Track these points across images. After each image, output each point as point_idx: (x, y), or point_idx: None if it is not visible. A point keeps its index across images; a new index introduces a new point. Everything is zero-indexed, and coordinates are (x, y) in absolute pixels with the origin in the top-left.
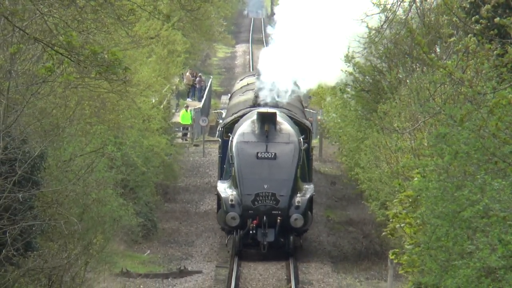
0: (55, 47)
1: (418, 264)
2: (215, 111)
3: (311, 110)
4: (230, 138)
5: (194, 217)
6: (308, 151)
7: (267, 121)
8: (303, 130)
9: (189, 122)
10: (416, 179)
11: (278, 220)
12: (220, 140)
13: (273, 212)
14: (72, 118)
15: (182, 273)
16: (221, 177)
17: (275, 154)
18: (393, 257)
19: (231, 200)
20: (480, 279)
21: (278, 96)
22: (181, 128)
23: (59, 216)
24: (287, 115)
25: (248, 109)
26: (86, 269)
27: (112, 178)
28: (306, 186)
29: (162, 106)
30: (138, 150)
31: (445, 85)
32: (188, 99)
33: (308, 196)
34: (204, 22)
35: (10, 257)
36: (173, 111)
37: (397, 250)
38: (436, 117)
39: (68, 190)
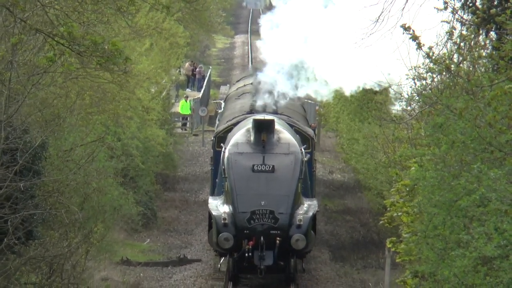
0: (56, 38)
1: (415, 253)
2: (214, 101)
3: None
4: (223, 148)
5: (194, 206)
6: (310, 163)
7: (264, 129)
8: (305, 139)
9: (188, 112)
10: (413, 168)
11: (277, 241)
12: (212, 151)
13: (271, 232)
14: (72, 108)
15: (182, 261)
16: (213, 192)
17: (273, 166)
18: (390, 245)
19: (224, 219)
20: (476, 268)
21: (277, 101)
22: (181, 118)
23: (60, 205)
24: (287, 123)
25: (243, 116)
26: (87, 258)
27: (112, 168)
28: (309, 202)
29: (162, 96)
30: (136, 141)
31: (442, 75)
32: (188, 90)
33: (311, 213)
34: (203, 13)
35: (12, 245)
36: (173, 101)
37: (394, 238)
38: (433, 107)
39: (69, 180)
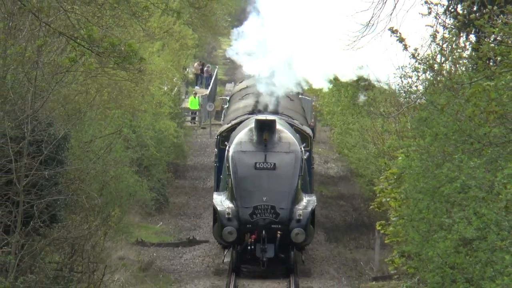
0: (77, 40)
1: (402, 235)
2: (221, 97)
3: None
4: (227, 147)
5: (202, 192)
6: (309, 160)
7: (266, 129)
8: (304, 138)
9: (197, 107)
10: (400, 158)
11: (278, 235)
12: (216, 149)
13: (272, 226)
14: (92, 104)
15: (191, 242)
16: (217, 188)
17: (274, 164)
18: (379, 228)
19: (228, 214)
20: (457, 249)
21: (278, 102)
22: (190, 112)
23: (81, 192)
24: (287, 122)
25: (246, 116)
26: (105, 239)
27: (128, 157)
28: (308, 198)
29: (173, 93)
30: (150, 133)
31: (426, 74)
32: (196, 87)
33: (310, 208)
34: (210, 18)
35: (37, 228)
36: (183, 97)
37: (383, 222)
38: (418, 103)
39: (89, 168)
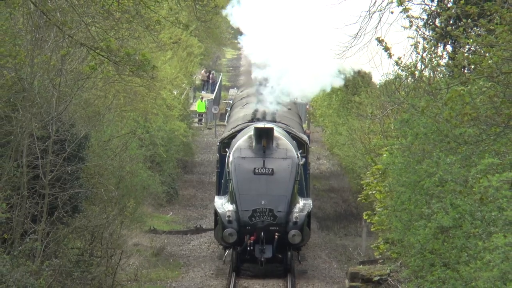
0: (97, 50)
1: (386, 223)
2: (225, 101)
3: (300, 101)
4: (228, 153)
5: (208, 185)
6: (305, 166)
7: (264, 136)
8: (300, 144)
9: (203, 110)
10: (384, 155)
11: (276, 236)
12: (218, 155)
13: (270, 228)
14: (110, 107)
15: (198, 230)
16: (219, 192)
17: (272, 169)
18: (366, 217)
19: (229, 216)
20: (436, 236)
21: (276, 110)
22: (197, 115)
23: (100, 185)
24: (285, 130)
25: (245, 124)
26: (121, 227)
27: (142, 155)
28: (304, 201)
29: (182, 97)
30: (162, 133)
31: (408, 80)
32: (203, 92)
33: (306, 211)
34: (215, 30)
35: (61, 217)
36: (191, 101)
37: (370, 212)
38: (400, 106)
39: (107, 164)
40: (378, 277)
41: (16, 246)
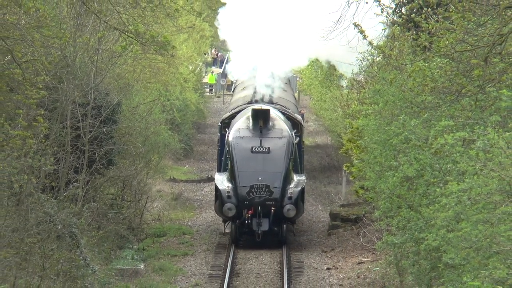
0: (127, 33)
1: (362, 173)
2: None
3: (293, 75)
4: (227, 133)
5: (217, 143)
6: (299, 144)
7: (261, 117)
8: (295, 124)
9: (213, 82)
10: (360, 119)
11: (272, 210)
12: (219, 134)
13: (267, 203)
14: (137, 79)
15: (209, 179)
16: (219, 169)
17: (268, 148)
18: (346, 168)
19: (228, 192)
20: (402, 184)
21: (273, 92)
22: (209, 85)
23: (130, 143)
24: (280, 111)
25: (244, 106)
26: (147, 177)
27: (164, 118)
28: (298, 177)
29: (196, 71)
30: (179, 102)
31: (380, 57)
32: (213, 67)
33: (300, 187)
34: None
35: (98, 169)
36: (203, 75)
37: (348, 164)
38: (374, 78)
39: (135, 126)
40: (355, 216)
41: (62, 192)
